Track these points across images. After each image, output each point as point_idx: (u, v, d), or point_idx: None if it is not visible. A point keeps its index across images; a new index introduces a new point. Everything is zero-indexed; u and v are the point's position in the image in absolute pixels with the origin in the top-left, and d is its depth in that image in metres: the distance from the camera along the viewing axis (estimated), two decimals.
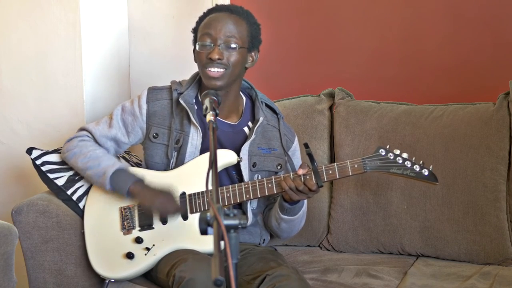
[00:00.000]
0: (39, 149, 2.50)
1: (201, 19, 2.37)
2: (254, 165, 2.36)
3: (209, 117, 1.98)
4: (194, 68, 2.43)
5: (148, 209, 2.28)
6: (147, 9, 3.14)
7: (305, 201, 2.36)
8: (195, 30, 2.38)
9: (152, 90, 2.41)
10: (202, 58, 2.30)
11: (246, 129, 2.40)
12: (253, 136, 2.35)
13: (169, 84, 2.43)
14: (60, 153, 2.50)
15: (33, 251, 2.39)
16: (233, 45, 2.29)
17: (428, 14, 2.90)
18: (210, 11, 2.36)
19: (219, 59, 2.26)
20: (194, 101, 2.37)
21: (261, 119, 2.37)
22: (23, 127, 2.92)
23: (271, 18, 3.12)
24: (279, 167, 2.41)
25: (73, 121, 2.81)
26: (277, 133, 2.43)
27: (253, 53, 2.38)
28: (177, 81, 2.43)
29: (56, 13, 2.81)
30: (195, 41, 2.37)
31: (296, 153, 2.49)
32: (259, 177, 2.37)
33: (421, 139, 2.60)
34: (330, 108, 2.80)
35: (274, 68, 3.12)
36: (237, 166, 2.35)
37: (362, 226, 2.64)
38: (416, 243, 2.57)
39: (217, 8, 2.37)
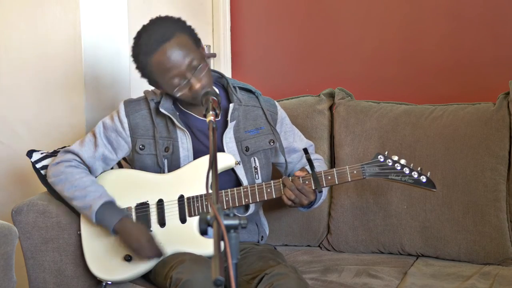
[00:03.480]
0: (39, 151, 2.50)
1: (142, 58, 2.25)
2: (247, 149, 2.37)
3: (209, 117, 1.97)
4: None
5: (128, 249, 2.29)
6: (147, 9, 3.14)
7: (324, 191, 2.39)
8: (141, 70, 2.29)
9: (129, 103, 2.39)
10: (188, 94, 2.25)
11: (228, 117, 2.39)
12: (231, 123, 2.34)
13: (143, 94, 2.42)
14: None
15: (33, 251, 2.39)
16: (199, 63, 2.25)
17: (428, 14, 2.90)
18: (152, 53, 2.23)
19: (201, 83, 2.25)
20: (173, 107, 2.37)
21: (231, 105, 2.36)
22: (23, 127, 2.92)
23: (271, 18, 3.13)
24: (272, 143, 2.41)
25: (73, 122, 2.81)
26: (259, 111, 2.43)
27: (201, 45, 2.34)
28: (150, 90, 2.42)
29: (56, 13, 2.81)
30: (149, 76, 2.29)
31: (284, 121, 2.49)
32: (256, 160, 2.38)
33: (421, 139, 2.60)
34: (330, 108, 2.81)
35: (274, 68, 3.13)
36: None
37: (362, 226, 2.64)
38: (416, 243, 2.57)
39: (153, 49, 2.22)
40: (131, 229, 2.26)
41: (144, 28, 2.30)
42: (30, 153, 2.48)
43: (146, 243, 2.24)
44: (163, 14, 2.35)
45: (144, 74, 2.31)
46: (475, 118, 2.57)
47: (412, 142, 2.60)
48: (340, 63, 3.04)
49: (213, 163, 1.61)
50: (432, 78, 2.90)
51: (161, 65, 2.23)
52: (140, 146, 2.36)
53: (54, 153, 2.51)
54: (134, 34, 3.08)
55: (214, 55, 3.30)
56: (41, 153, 2.49)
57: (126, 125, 2.36)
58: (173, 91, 2.26)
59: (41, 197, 2.46)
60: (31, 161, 2.47)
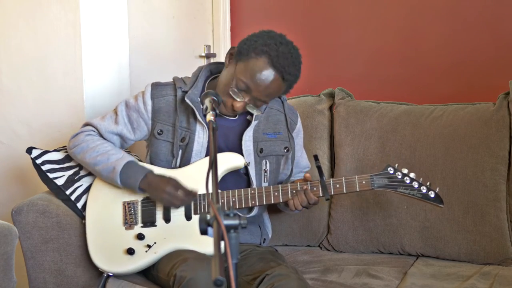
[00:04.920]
0: (39, 148, 2.50)
1: (262, 49, 2.21)
2: (261, 150, 2.37)
3: (209, 117, 1.98)
4: (194, 68, 2.43)
5: (160, 203, 2.30)
6: (147, 9, 3.14)
7: None
8: (252, 47, 2.23)
9: (156, 86, 2.39)
10: (227, 100, 2.25)
11: (249, 117, 2.40)
12: (254, 122, 2.36)
13: (171, 80, 2.42)
14: (60, 151, 2.51)
15: (33, 251, 2.39)
16: (259, 108, 2.29)
17: (428, 14, 2.90)
18: (270, 63, 2.20)
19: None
20: (199, 99, 2.37)
21: None
22: (23, 127, 2.92)
23: (271, 18, 3.13)
24: (285, 150, 2.42)
25: (73, 121, 2.81)
26: (282, 116, 2.44)
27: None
28: (180, 77, 2.42)
29: (56, 13, 2.81)
30: (245, 52, 2.23)
31: (299, 134, 2.51)
32: (267, 163, 2.38)
33: (421, 139, 2.60)
34: (330, 108, 2.81)
35: None
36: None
37: (362, 226, 2.64)
38: (416, 243, 2.57)
39: (274, 65, 2.20)
40: (157, 184, 2.27)
41: (291, 47, 2.27)
42: (29, 150, 2.49)
43: (175, 192, 2.24)
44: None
45: (248, 49, 2.23)
46: (475, 118, 2.57)
47: (412, 142, 2.60)
48: (340, 63, 3.04)
49: (213, 164, 1.61)
50: (432, 78, 2.91)
51: (257, 73, 2.20)
52: (158, 131, 2.36)
53: (54, 150, 2.51)
54: (134, 34, 3.10)
55: (214, 55, 3.30)
56: (41, 150, 2.50)
57: (149, 107, 2.37)
58: (230, 85, 2.23)
59: (41, 197, 2.46)
60: (31, 157, 2.47)
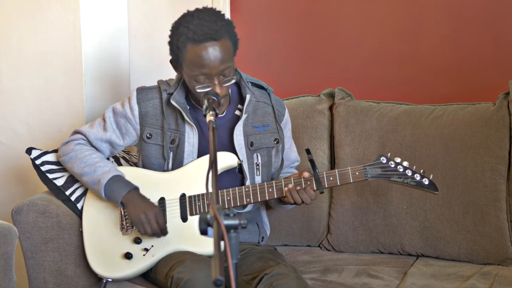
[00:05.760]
0: (38, 149, 2.50)
1: (184, 40, 2.20)
2: (251, 144, 2.37)
3: (209, 117, 1.97)
4: None
5: (132, 221, 2.29)
6: (147, 9, 3.14)
7: None
8: (174, 48, 2.24)
9: (141, 91, 2.39)
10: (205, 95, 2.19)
11: (237, 112, 2.40)
12: (244, 116, 2.35)
13: (156, 84, 2.41)
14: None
15: (33, 251, 2.39)
16: (230, 73, 2.23)
17: (428, 14, 2.90)
18: (195, 42, 2.17)
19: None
20: (185, 100, 2.36)
21: (248, 96, 2.36)
22: (23, 127, 2.92)
23: (271, 18, 3.13)
24: (275, 142, 2.42)
25: (73, 121, 2.82)
26: (269, 108, 2.43)
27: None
28: (164, 80, 2.42)
29: (56, 13, 2.81)
30: (176, 57, 2.25)
31: (287, 125, 2.50)
32: (259, 157, 2.38)
33: (421, 139, 2.60)
34: (330, 108, 2.80)
35: (274, 68, 3.12)
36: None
37: (362, 226, 2.64)
38: (416, 243, 2.57)
39: (199, 40, 2.17)
40: (138, 202, 2.27)
41: (200, 13, 2.23)
42: (29, 150, 2.49)
43: (153, 217, 2.24)
44: (218, 9, 2.29)
45: (174, 53, 2.25)
46: (475, 118, 2.57)
47: (412, 142, 2.60)
48: (340, 63, 3.03)
49: (213, 164, 1.61)
50: (432, 78, 2.90)
51: (197, 58, 2.19)
52: (148, 135, 2.36)
53: (54, 151, 2.51)
54: (134, 34, 3.10)
55: None
56: (41, 151, 2.50)
57: (136, 112, 2.37)
58: (194, 86, 2.22)
59: (41, 197, 2.46)
60: (31, 158, 2.47)
